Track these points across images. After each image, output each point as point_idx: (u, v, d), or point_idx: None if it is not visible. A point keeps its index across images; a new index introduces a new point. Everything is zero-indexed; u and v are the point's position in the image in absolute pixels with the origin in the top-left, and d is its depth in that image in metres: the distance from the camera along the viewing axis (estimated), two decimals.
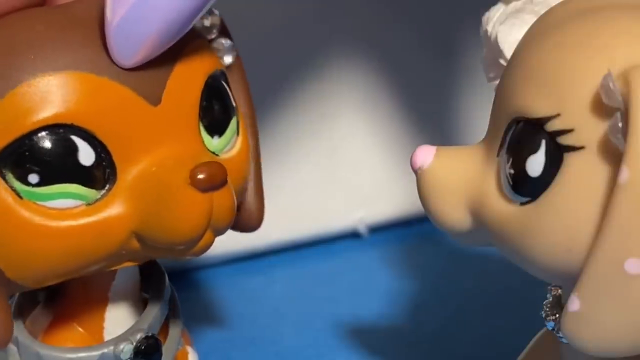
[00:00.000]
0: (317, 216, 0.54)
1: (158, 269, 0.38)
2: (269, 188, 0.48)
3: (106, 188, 0.32)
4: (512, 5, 0.37)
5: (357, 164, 0.54)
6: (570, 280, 0.29)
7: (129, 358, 0.35)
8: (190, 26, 0.32)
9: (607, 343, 0.29)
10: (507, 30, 0.36)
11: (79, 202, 0.32)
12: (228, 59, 0.37)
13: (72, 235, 0.32)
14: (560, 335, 0.30)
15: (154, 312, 0.36)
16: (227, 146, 0.35)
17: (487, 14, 0.38)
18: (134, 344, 0.35)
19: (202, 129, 0.34)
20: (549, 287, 0.33)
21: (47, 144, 0.31)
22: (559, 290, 0.33)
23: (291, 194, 0.53)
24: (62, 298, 0.37)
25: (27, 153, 0.31)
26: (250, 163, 0.37)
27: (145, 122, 0.32)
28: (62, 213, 0.31)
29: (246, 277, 0.52)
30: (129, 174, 0.32)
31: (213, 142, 0.34)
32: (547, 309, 0.32)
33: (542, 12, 0.32)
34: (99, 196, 0.32)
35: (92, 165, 0.32)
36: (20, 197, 0.31)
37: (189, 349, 0.39)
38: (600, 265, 0.27)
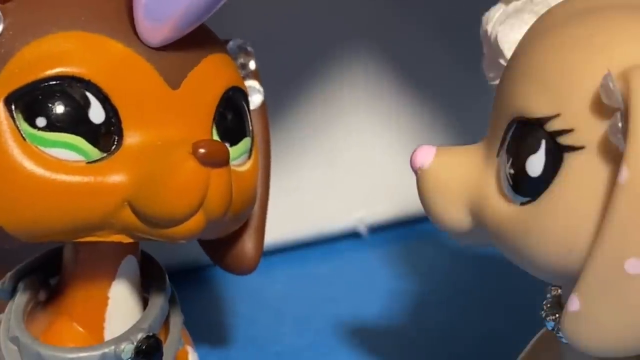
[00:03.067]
0: (317, 216, 0.54)
1: (158, 268, 0.38)
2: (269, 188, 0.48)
3: (109, 151, 0.32)
4: (512, 5, 0.37)
5: (357, 164, 0.54)
6: (570, 280, 0.29)
7: (130, 358, 0.35)
8: (216, 8, 0.33)
9: (607, 343, 0.29)
10: (507, 30, 0.36)
11: (79, 157, 0.32)
12: (257, 100, 0.39)
13: (67, 188, 0.32)
14: (560, 335, 0.30)
15: (154, 312, 0.36)
16: (238, 160, 0.36)
17: (487, 14, 0.38)
18: (135, 343, 0.35)
19: (215, 131, 0.35)
20: (549, 287, 0.33)
21: (61, 92, 0.32)
22: (559, 290, 0.33)
23: (291, 194, 0.53)
24: (63, 298, 0.37)
25: (40, 96, 0.32)
26: (257, 189, 0.38)
27: (161, 101, 0.33)
28: (61, 164, 0.32)
29: (246, 277, 0.52)
30: (134, 143, 0.33)
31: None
32: (547, 309, 0.32)
33: (542, 12, 0.32)
34: (100, 157, 0.32)
35: (101, 125, 0.32)
36: (24, 139, 0.32)
37: (189, 349, 0.39)
38: (600, 265, 0.27)
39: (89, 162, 0.32)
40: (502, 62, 0.36)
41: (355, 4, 0.53)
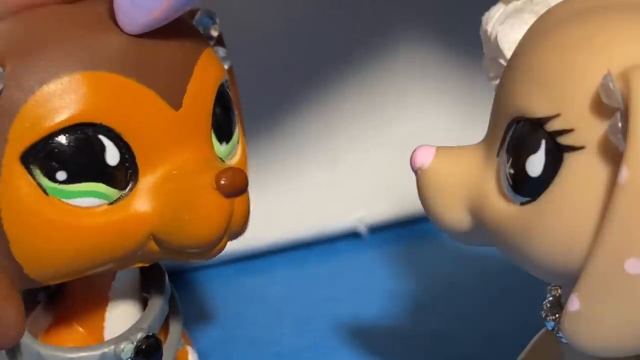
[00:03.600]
0: (317, 216, 0.54)
1: (158, 268, 0.38)
2: (269, 188, 0.48)
3: (128, 188, 0.32)
4: (512, 5, 0.37)
5: (357, 164, 0.54)
6: (570, 280, 0.29)
7: (130, 358, 0.35)
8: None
9: (607, 343, 0.29)
10: (507, 30, 0.36)
11: (102, 201, 0.32)
12: (225, 66, 0.37)
13: (94, 233, 0.32)
14: (560, 335, 0.30)
15: (154, 312, 0.36)
16: (231, 153, 0.36)
17: (487, 14, 0.38)
18: (135, 343, 0.35)
19: (213, 135, 0.34)
20: (549, 287, 0.33)
21: (76, 142, 0.31)
22: (559, 290, 0.33)
23: (291, 194, 0.53)
24: (63, 298, 0.37)
25: (56, 150, 0.31)
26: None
27: (167, 125, 0.33)
28: (85, 211, 0.32)
29: (246, 277, 0.52)
30: (149, 175, 0.32)
31: (221, 148, 0.35)
32: (547, 309, 0.32)
33: (542, 12, 0.32)
34: (120, 196, 0.32)
35: (117, 165, 0.32)
36: (46, 194, 0.31)
37: (189, 349, 0.39)
38: (600, 265, 0.28)
39: (110, 204, 0.32)
40: (502, 62, 0.36)
41: (354, 4, 0.53)
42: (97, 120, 0.31)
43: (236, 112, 0.36)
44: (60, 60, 0.31)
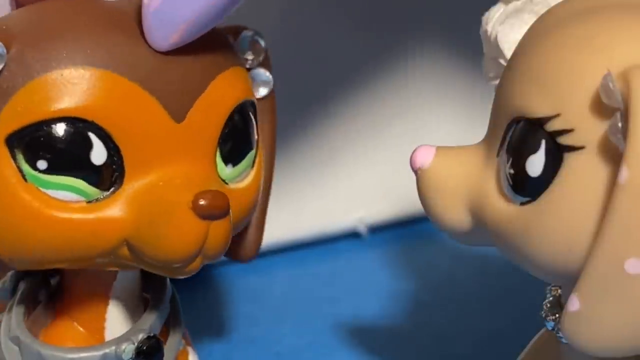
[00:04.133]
0: (317, 216, 0.54)
1: None
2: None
3: (110, 190, 0.32)
4: (512, 5, 0.37)
5: (357, 164, 0.54)
6: (570, 280, 0.29)
7: (131, 358, 0.35)
8: (229, 13, 0.32)
9: (607, 343, 0.29)
10: (507, 30, 0.36)
11: (80, 198, 0.32)
12: (263, 91, 0.38)
13: (65, 227, 0.32)
14: (560, 335, 0.30)
15: (155, 313, 0.36)
16: (239, 177, 0.35)
17: (487, 14, 0.38)
18: (136, 344, 0.35)
19: (218, 154, 0.34)
20: (549, 287, 0.33)
21: (64, 134, 0.31)
22: (559, 290, 0.33)
23: (291, 193, 0.53)
24: (63, 298, 0.37)
25: (42, 138, 0.31)
26: (259, 196, 0.37)
27: (164, 137, 0.32)
28: (61, 204, 0.32)
29: (246, 277, 0.52)
30: (135, 182, 0.32)
31: (226, 171, 0.34)
32: (547, 309, 0.32)
33: (542, 12, 0.32)
34: (101, 196, 0.32)
35: (102, 166, 0.32)
36: (25, 180, 0.31)
37: (189, 349, 0.39)
38: (600, 265, 0.28)
39: (89, 202, 0.32)
40: (502, 62, 0.36)
41: (354, 5, 0.53)
42: (89, 118, 0.31)
43: (257, 138, 0.36)
44: (66, 52, 0.31)
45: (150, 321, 0.36)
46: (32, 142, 0.31)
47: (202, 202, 0.32)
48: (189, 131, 0.33)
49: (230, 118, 0.34)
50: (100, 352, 0.35)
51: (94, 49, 0.32)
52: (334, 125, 0.54)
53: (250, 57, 0.36)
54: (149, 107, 0.32)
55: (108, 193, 0.32)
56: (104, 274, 0.36)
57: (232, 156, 0.34)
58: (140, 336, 0.35)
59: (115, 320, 0.36)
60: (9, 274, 0.37)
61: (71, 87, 0.31)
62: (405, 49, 0.54)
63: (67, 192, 0.32)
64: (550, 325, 0.32)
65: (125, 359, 0.35)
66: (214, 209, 0.32)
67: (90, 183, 0.32)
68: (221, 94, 0.34)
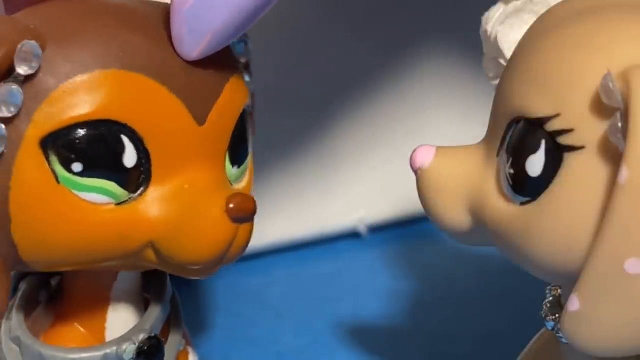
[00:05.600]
0: (317, 216, 0.54)
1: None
2: (269, 188, 0.48)
3: (137, 193, 0.32)
4: (512, 5, 0.37)
5: (357, 164, 0.54)
6: (570, 280, 0.29)
7: (132, 358, 0.35)
8: (254, 22, 0.32)
9: (607, 343, 0.29)
10: (507, 30, 0.36)
11: (110, 200, 0.32)
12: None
13: (95, 229, 0.32)
14: (560, 335, 0.30)
15: (156, 313, 0.36)
16: (240, 178, 0.36)
17: (487, 14, 0.38)
18: (137, 344, 0.35)
19: (227, 158, 0.34)
20: (549, 287, 0.33)
21: (99, 137, 0.31)
22: (559, 290, 0.33)
23: (291, 194, 0.53)
24: (64, 298, 0.37)
25: (77, 141, 0.31)
26: None
27: (189, 140, 0.33)
28: (92, 207, 0.32)
29: (246, 277, 0.52)
30: (161, 184, 0.32)
31: (232, 171, 0.35)
32: (547, 309, 0.32)
33: (542, 12, 0.32)
34: (128, 198, 0.32)
35: (132, 168, 0.32)
36: (58, 182, 0.31)
37: (190, 349, 0.39)
38: (600, 265, 0.28)
39: (118, 204, 0.32)
40: (502, 62, 0.36)
41: (355, 7, 0.53)
42: (123, 120, 0.31)
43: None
44: (99, 53, 0.31)
45: (151, 321, 0.36)
46: (67, 144, 0.31)
47: (233, 205, 0.32)
48: (210, 135, 0.33)
49: (238, 121, 0.34)
50: (101, 353, 0.35)
51: (123, 52, 0.32)
52: (334, 126, 0.54)
53: (243, 60, 0.37)
54: (177, 110, 0.32)
55: (135, 195, 0.32)
56: (104, 274, 0.36)
57: (237, 157, 0.35)
58: (141, 336, 0.35)
59: (116, 321, 0.36)
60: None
61: (104, 89, 0.31)
62: (405, 49, 0.54)
63: (98, 194, 0.32)
64: (550, 325, 0.32)
65: (126, 359, 0.35)
66: (247, 212, 0.33)
67: (120, 185, 0.32)
68: (233, 97, 0.34)
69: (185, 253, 0.33)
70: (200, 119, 0.33)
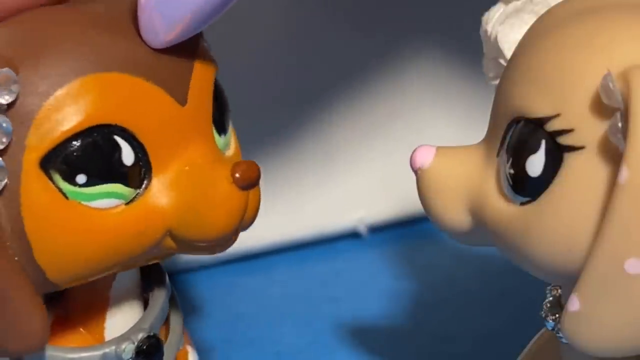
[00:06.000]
0: (317, 216, 0.54)
1: (158, 268, 0.38)
2: (269, 188, 0.48)
3: (143, 187, 0.32)
4: (512, 5, 0.37)
5: (357, 164, 0.54)
6: (570, 280, 0.29)
7: (131, 358, 0.35)
8: (227, 8, 0.32)
9: (607, 343, 0.29)
10: (507, 30, 0.36)
11: (120, 202, 0.32)
12: None
13: (113, 234, 0.32)
14: (560, 335, 0.30)
15: (155, 312, 0.36)
16: (227, 145, 0.36)
17: (486, 14, 0.38)
18: (136, 343, 0.35)
19: (214, 128, 0.35)
20: (549, 287, 0.33)
21: (94, 144, 0.31)
22: (559, 290, 0.33)
23: (291, 194, 0.53)
24: (63, 298, 0.37)
25: (74, 153, 0.31)
26: None
27: (176, 122, 0.33)
28: (104, 212, 0.32)
29: (246, 277, 0.52)
30: (162, 172, 0.33)
31: (220, 141, 0.35)
32: (547, 309, 0.32)
33: (542, 12, 0.32)
34: (135, 195, 0.32)
35: (132, 165, 0.32)
36: (67, 198, 0.31)
37: (189, 349, 0.39)
38: (600, 265, 0.28)
39: (127, 203, 0.32)
40: (502, 62, 0.36)
41: (355, 6, 0.53)
42: (111, 122, 0.31)
43: None
44: (70, 63, 0.31)
45: (150, 320, 0.36)
46: (65, 159, 0.31)
47: (238, 174, 0.32)
48: (193, 112, 0.33)
49: (213, 91, 0.35)
50: (100, 352, 0.35)
51: (93, 55, 0.32)
52: (334, 125, 0.54)
53: None
54: (158, 97, 0.32)
55: (141, 190, 0.32)
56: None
57: (221, 126, 0.35)
58: (140, 335, 0.35)
59: (115, 320, 0.36)
60: None
61: (86, 97, 0.31)
62: (405, 49, 0.54)
63: (107, 199, 0.32)
64: (550, 325, 0.32)
65: (126, 359, 0.35)
66: (252, 178, 0.33)
67: (125, 184, 0.32)
68: (204, 69, 0.34)
69: (203, 232, 0.33)
70: (182, 100, 0.33)
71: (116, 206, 0.32)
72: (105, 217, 0.32)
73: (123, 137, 0.32)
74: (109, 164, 0.32)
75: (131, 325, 0.36)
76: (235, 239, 0.34)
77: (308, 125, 0.53)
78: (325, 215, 0.54)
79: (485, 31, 0.38)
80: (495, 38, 0.37)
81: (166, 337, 0.37)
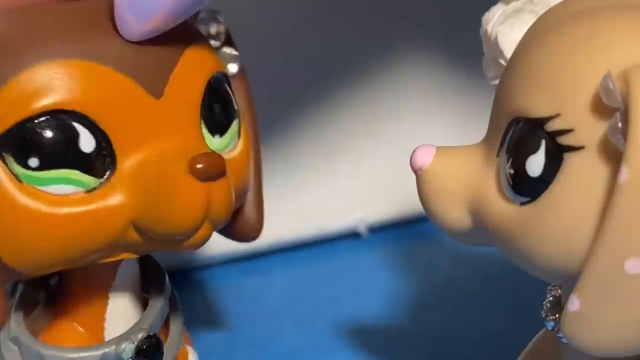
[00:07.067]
0: (317, 216, 0.54)
1: (158, 268, 0.38)
2: (269, 188, 0.48)
3: (105, 176, 0.32)
4: (512, 5, 0.37)
5: (357, 163, 0.54)
6: (570, 280, 0.29)
7: (131, 358, 0.35)
8: (202, 5, 0.32)
9: (607, 343, 0.29)
10: (507, 30, 0.36)
11: (78, 189, 0.32)
12: (233, 68, 0.38)
13: (70, 222, 0.32)
14: (560, 335, 0.30)
15: (155, 312, 0.36)
16: (228, 147, 0.36)
17: (487, 14, 0.38)
18: (136, 343, 0.35)
19: (203, 126, 0.34)
20: (549, 287, 0.33)
21: (49, 128, 0.31)
22: (559, 290, 0.33)
23: (291, 194, 0.53)
24: (63, 298, 0.37)
25: (28, 137, 0.31)
26: (251, 171, 0.38)
27: (147, 114, 0.33)
28: (61, 199, 0.32)
29: (246, 277, 0.52)
30: (128, 163, 0.32)
31: (214, 142, 0.35)
32: (547, 309, 0.32)
33: (542, 12, 0.32)
34: (97, 184, 0.32)
35: (93, 153, 0.32)
36: (20, 181, 0.31)
37: (189, 349, 0.39)
38: (600, 265, 0.28)
39: (87, 192, 0.32)
40: (502, 62, 0.36)
41: (355, 5, 0.53)
42: (70, 108, 0.31)
43: (237, 109, 0.36)
44: (33, 48, 0.32)
45: (150, 320, 0.36)
46: (18, 142, 0.31)
47: (198, 165, 0.32)
48: (170, 105, 0.33)
49: (207, 90, 0.34)
50: (100, 352, 0.35)
51: (61, 42, 0.32)
52: (333, 125, 0.54)
53: (213, 31, 0.37)
54: (126, 88, 0.32)
55: (104, 179, 0.32)
56: (103, 273, 0.36)
57: (217, 127, 0.35)
58: (140, 335, 0.35)
59: (115, 320, 0.36)
60: None
61: (47, 82, 0.31)
62: (405, 49, 0.54)
63: (64, 185, 0.32)
64: (550, 325, 0.32)
65: (125, 359, 0.35)
66: (211, 168, 0.32)
67: (84, 172, 0.32)
68: (192, 66, 0.34)
69: (165, 225, 0.32)
70: (156, 92, 0.33)
71: (74, 193, 0.32)
72: (62, 203, 0.32)
73: (83, 124, 0.32)
74: (64, 150, 0.32)
75: (131, 325, 0.36)
76: (207, 235, 0.34)
77: (308, 126, 0.54)
78: (325, 215, 0.54)
79: (485, 31, 0.38)
80: (495, 38, 0.37)
81: (166, 337, 0.37)
